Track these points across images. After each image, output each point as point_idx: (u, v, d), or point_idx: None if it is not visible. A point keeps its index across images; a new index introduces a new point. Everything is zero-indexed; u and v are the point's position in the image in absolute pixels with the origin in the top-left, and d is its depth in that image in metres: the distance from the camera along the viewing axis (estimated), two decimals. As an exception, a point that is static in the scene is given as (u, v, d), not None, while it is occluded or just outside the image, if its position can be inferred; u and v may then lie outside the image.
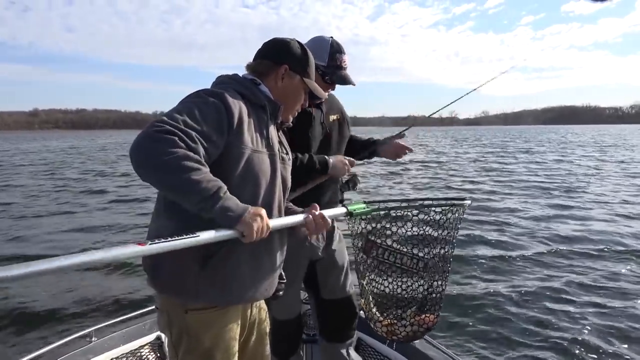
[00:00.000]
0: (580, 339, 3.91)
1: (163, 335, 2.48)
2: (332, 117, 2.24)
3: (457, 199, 1.93)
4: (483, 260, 6.08)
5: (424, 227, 1.98)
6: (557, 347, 3.81)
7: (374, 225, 1.93)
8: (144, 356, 2.42)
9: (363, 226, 1.93)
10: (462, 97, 2.66)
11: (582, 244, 6.83)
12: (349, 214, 1.75)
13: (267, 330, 1.70)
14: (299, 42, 1.60)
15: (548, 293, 4.91)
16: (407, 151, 2.38)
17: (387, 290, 1.96)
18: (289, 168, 1.61)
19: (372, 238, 1.97)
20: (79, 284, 5.74)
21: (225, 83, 1.49)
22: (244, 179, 1.38)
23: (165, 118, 1.24)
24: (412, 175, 16.55)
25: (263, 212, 1.28)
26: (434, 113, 2.73)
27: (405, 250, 1.96)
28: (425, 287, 1.93)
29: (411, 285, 1.94)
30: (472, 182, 14.73)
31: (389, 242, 1.96)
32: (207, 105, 1.31)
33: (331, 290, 2.23)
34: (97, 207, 11.11)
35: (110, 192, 13.61)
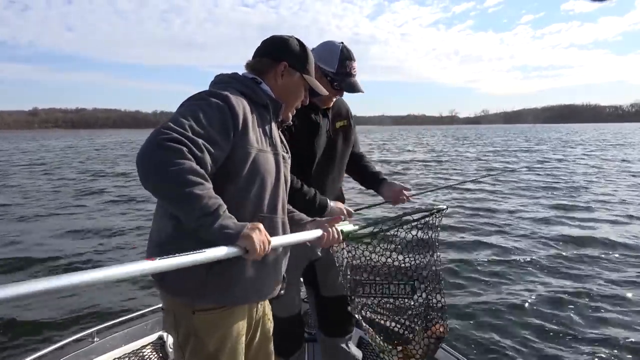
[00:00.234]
0: (586, 346, 3.89)
1: (165, 335, 2.49)
2: (339, 124, 2.23)
3: (434, 208, 1.93)
4: (484, 263, 6.05)
5: (406, 245, 1.98)
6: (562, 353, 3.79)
7: (355, 256, 1.93)
8: (146, 356, 2.43)
9: (345, 255, 1.93)
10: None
11: (588, 246, 6.73)
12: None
13: (271, 329, 1.71)
14: (297, 39, 1.59)
15: (551, 296, 4.88)
16: (406, 199, 2.33)
17: (384, 320, 1.98)
18: (289, 167, 1.62)
19: (356, 277, 1.98)
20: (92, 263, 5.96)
21: (226, 82, 1.48)
22: (250, 179, 1.39)
23: (171, 124, 1.22)
24: (413, 176, 16.47)
25: (260, 226, 1.27)
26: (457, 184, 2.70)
27: (389, 279, 1.96)
28: (422, 303, 1.93)
29: (407, 310, 1.95)
30: (473, 182, 14.66)
31: (371, 276, 1.96)
32: (212, 108, 1.31)
33: (330, 287, 2.25)
34: (95, 207, 11.03)
35: (107, 192, 13.52)
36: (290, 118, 1.64)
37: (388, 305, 1.97)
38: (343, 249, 1.91)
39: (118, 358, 2.32)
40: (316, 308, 2.35)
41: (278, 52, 1.55)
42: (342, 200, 2.31)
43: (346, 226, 1.69)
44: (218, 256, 1.18)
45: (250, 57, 1.59)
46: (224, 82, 1.49)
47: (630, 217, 8.76)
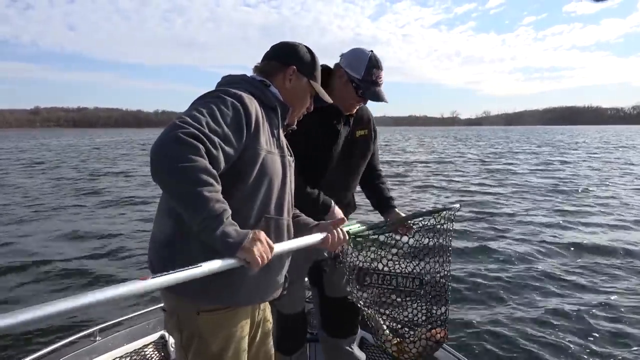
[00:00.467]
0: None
1: (167, 335, 2.49)
2: (360, 133, 2.22)
3: (446, 207, 1.93)
4: (486, 267, 5.99)
5: (415, 242, 1.99)
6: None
7: (362, 251, 1.92)
8: (148, 355, 2.43)
9: (351, 253, 1.93)
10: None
11: (594, 253, 6.57)
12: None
13: (271, 328, 1.72)
14: (306, 47, 1.62)
15: (554, 300, 4.85)
16: (407, 231, 2.21)
17: (387, 312, 1.97)
18: (293, 170, 1.63)
19: (362, 265, 1.98)
20: (81, 283, 5.72)
21: (237, 83, 1.49)
22: (258, 180, 1.40)
23: (189, 119, 1.22)
24: (415, 178, 16.43)
25: (263, 235, 1.25)
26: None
27: (397, 270, 1.96)
28: (426, 302, 1.93)
29: (411, 304, 1.95)
30: (476, 184, 14.63)
31: (380, 266, 1.96)
32: (227, 106, 1.31)
33: (335, 288, 2.24)
34: (93, 208, 10.89)
35: (106, 192, 13.38)
36: (295, 122, 1.65)
37: (393, 296, 1.97)
38: (350, 246, 1.91)
39: (120, 357, 2.32)
40: (320, 308, 2.34)
41: (287, 57, 1.57)
42: (354, 208, 2.31)
43: (352, 226, 1.68)
44: (215, 269, 1.15)
45: (251, 57, 1.63)
46: (233, 82, 1.50)
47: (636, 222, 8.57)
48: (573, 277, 5.50)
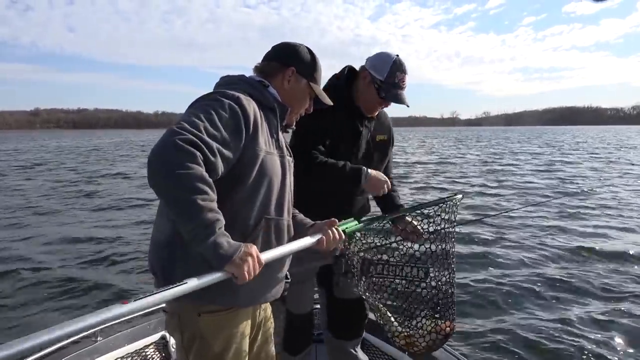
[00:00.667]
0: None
1: (168, 335, 2.50)
2: (379, 137, 2.23)
3: (448, 197, 1.94)
4: (487, 267, 5.96)
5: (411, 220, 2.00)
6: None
7: (365, 242, 1.92)
8: (149, 356, 2.44)
9: (357, 246, 1.93)
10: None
11: (600, 255, 6.43)
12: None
13: (272, 329, 1.72)
14: (307, 48, 1.62)
15: (559, 303, 4.80)
16: (417, 239, 2.19)
17: (395, 303, 1.97)
18: (293, 170, 1.63)
19: (367, 256, 1.99)
20: (83, 283, 5.70)
21: (235, 84, 1.49)
22: (258, 181, 1.40)
23: (187, 125, 1.22)
24: (417, 179, 16.38)
25: (254, 250, 1.25)
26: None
27: (403, 260, 1.97)
28: (433, 292, 1.93)
29: (418, 294, 1.94)
30: (477, 185, 14.58)
31: (385, 257, 1.97)
32: (225, 109, 1.31)
33: (344, 289, 2.25)
34: (91, 210, 10.74)
35: (105, 195, 13.17)
36: (294, 123, 1.65)
37: (399, 288, 1.96)
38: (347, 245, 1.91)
39: (121, 357, 2.33)
40: (327, 309, 2.34)
41: (287, 57, 1.57)
42: (367, 211, 2.31)
43: (349, 225, 1.67)
44: (200, 285, 1.14)
45: (251, 58, 1.63)
46: (231, 83, 1.50)
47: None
48: (575, 281, 5.44)
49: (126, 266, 6.31)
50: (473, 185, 14.28)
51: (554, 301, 4.85)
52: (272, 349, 1.72)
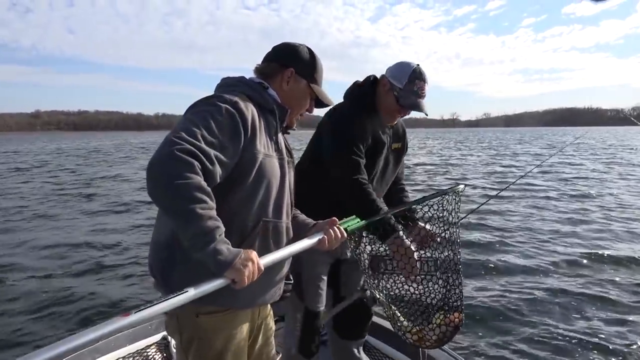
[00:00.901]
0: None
1: (169, 336, 2.50)
2: (395, 146, 2.25)
3: (450, 188, 1.93)
4: (490, 270, 5.92)
5: (424, 225, 2.01)
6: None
7: (371, 237, 1.93)
8: (150, 356, 2.45)
9: (364, 242, 1.93)
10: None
11: (604, 255, 6.42)
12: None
13: (273, 331, 1.72)
14: (308, 48, 1.61)
15: (561, 307, 4.76)
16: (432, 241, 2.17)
17: (406, 299, 1.97)
18: (294, 171, 1.63)
19: (375, 252, 1.99)
20: (84, 283, 5.70)
21: (234, 86, 1.49)
22: (256, 184, 1.40)
23: (184, 134, 1.22)
24: (418, 180, 16.33)
25: (254, 255, 1.25)
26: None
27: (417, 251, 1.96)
28: (442, 284, 1.93)
29: (428, 288, 1.94)
30: (479, 186, 14.52)
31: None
32: (222, 114, 1.31)
33: (351, 289, 2.26)
34: (90, 213, 10.61)
35: (103, 196, 13.13)
36: (295, 124, 1.65)
37: (409, 284, 1.97)
38: (351, 243, 1.91)
39: (122, 357, 2.34)
40: (332, 308, 2.34)
41: (286, 58, 1.56)
42: None
43: (351, 222, 1.67)
44: (202, 293, 1.15)
45: (251, 59, 1.63)
46: (231, 85, 1.50)
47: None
48: (579, 285, 5.40)
49: (126, 270, 6.24)
50: (475, 188, 14.24)
51: (556, 307, 4.81)
52: (273, 350, 1.72)
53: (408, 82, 2.05)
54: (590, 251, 6.64)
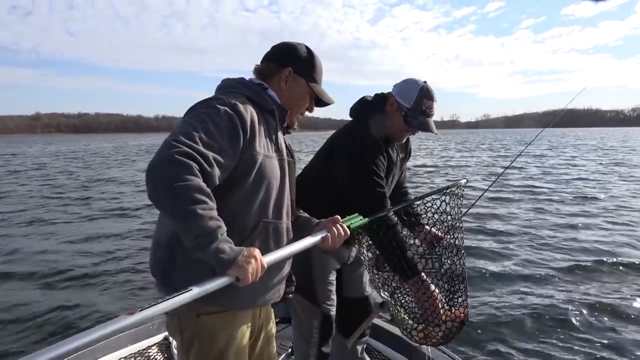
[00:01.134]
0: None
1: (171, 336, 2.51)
2: (401, 156, 2.26)
3: (452, 184, 1.94)
4: (492, 272, 5.90)
5: (427, 222, 2.01)
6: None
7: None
8: (152, 356, 2.45)
9: (367, 239, 1.94)
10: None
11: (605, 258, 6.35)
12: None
13: (274, 332, 1.72)
14: (306, 47, 1.60)
15: (558, 309, 4.74)
16: (438, 243, 2.17)
17: (410, 298, 1.96)
18: (295, 172, 1.63)
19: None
20: (86, 283, 5.70)
21: (234, 87, 1.49)
22: (256, 185, 1.40)
23: (182, 138, 1.23)
24: (419, 182, 16.30)
25: (257, 252, 1.25)
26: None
27: (417, 252, 1.97)
28: (446, 281, 1.94)
29: (435, 284, 1.93)
30: (480, 188, 14.43)
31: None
32: (220, 117, 1.31)
33: (353, 288, 2.27)
34: (88, 215, 10.55)
35: (103, 200, 12.98)
36: (296, 124, 1.65)
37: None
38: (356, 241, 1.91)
39: (124, 358, 2.34)
40: (337, 308, 2.35)
41: (284, 58, 1.56)
42: None
43: (354, 220, 1.66)
44: (206, 291, 1.15)
45: (251, 61, 1.61)
46: (230, 86, 1.50)
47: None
48: (580, 289, 5.35)
49: (126, 272, 6.22)
50: (476, 189, 14.18)
51: (557, 309, 4.79)
52: (274, 350, 1.72)
53: (416, 102, 2.03)
54: (592, 257, 6.50)
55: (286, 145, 1.59)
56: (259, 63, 1.60)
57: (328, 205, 1.82)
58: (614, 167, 20.90)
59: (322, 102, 1.65)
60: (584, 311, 4.57)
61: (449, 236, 1.97)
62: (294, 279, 1.66)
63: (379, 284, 2.03)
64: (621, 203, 11.04)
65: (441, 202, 1.93)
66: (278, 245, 1.47)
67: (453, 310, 1.88)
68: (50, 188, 16.07)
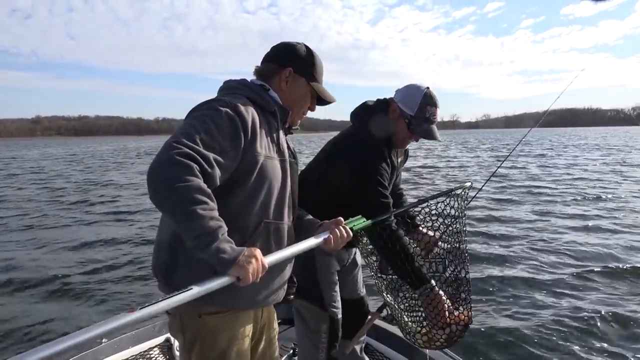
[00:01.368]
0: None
1: (172, 338, 2.52)
2: (400, 159, 2.26)
3: (456, 187, 1.94)
4: (494, 276, 5.84)
5: (432, 225, 2.01)
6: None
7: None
8: (153, 358, 2.45)
9: (368, 244, 1.93)
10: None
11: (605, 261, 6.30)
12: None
13: (276, 333, 1.72)
14: (306, 46, 1.60)
15: (563, 312, 4.71)
16: (435, 246, 2.16)
17: (414, 301, 1.96)
18: (297, 173, 1.63)
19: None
20: (87, 283, 5.71)
21: (236, 88, 1.50)
22: (257, 186, 1.41)
23: (183, 139, 1.24)
24: (419, 183, 16.28)
25: (257, 252, 1.25)
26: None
27: (421, 256, 1.96)
28: (450, 284, 1.93)
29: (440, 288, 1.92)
30: (482, 190, 14.31)
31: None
32: (222, 118, 1.32)
33: (350, 290, 2.27)
34: (89, 218, 10.54)
35: (100, 203, 12.95)
36: (298, 123, 1.65)
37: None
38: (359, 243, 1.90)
39: (125, 359, 2.34)
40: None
41: (284, 58, 1.57)
42: None
43: (357, 222, 1.66)
44: (206, 290, 1.15)
45: (251, 63, 1.64)
46: (233, 88, 1.51)
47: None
48: (587, 291, 5.29)
49: (128, 273, 6.22)
50: (475, 190, 14.05)
51: (558, 312, 4.81)
52: (277, 352, 1.72)
53: (419, 109, 2.01)
54: (598, 262, 6.33)
55: (288, 146, 1.59)
56: (259, 64, 1.60)
57: (327, 207, 1.83)
58: (615, 167, 20.86)
59: (323, 100, 1.65)
60: (589, 317, 4.51)
61: (452, 239, 1.96)
62: (295, 280, 1.66)
63: (382, 287, 2.03)
64: (624, 204, 10.96)
65: (445, 206, 1.93)
66: (279, 246, 1.48)
67: (457, 314, 1.87)
68: (49, 192, 16.03)
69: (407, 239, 1.92)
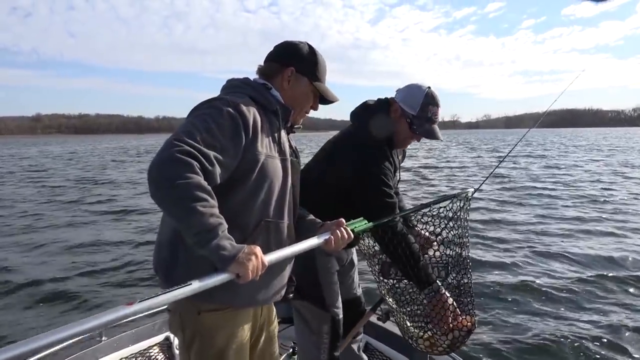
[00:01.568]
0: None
1: (172, 336, 2.52)
2: (399, 158, 2.26)
3: (459, 192, 1.93)
4: (497, 282, 5.76)
5: (434, 229, 2.00)
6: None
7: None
8: (153, 356, 2.45)
9: (372, 244, 1.92)
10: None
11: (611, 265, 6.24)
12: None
13: (276, 331, 1.73)
14: (309, 45, 1.60)
15: (564, 314, 4.73)
16: (429, 246, 2.16)
17: (415, 306, 1.96)
18: (299, 172, 1.63)
19: (385, 258, 1.98)
20: (88, 283, 5.69)
21: (238, 87, 1.50)
22: (258, 185, 1.41)
23: (184, 136, 1.24)
24: (420, 183, 16.25)
25: (257, 250, 1.25)
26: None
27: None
28: (453, 290, 1.92)
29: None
30: (482, 190, 14.25)
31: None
32: (223, 117, 1.32)
33: (346, 289, 2.27)
34: (86, 218, 10.40)
35: (100, 202, 12.88)
36: (300, 122, 1.65)
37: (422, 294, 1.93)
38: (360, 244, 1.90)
39: (125, 358, 2.35)
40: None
41: (286, 57, 1.56)
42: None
43: (359, 223, 1.66)
44: (205, 286, 1.15)
45: (252, 62, 1.64)
46: (235, 86, 1.51)
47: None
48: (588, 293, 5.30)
49: (128, 273, 6.17)
50: (477, 190, 13.98)
51: (558, 314, 4.81)
52: (276, 350, 1.73)
53: (421, 109, 2.00)
54: (600, 268, 6.24)
55: (290, 145, 1.59)
56: (260, 63, 1.60)
57: (326, 206, 1.83)
58: (617, 168, 20.83)
59: (326, 100, 1.64)
60: (591, 322, 4.51)
61: (454, 244, 1.96)
62: (294, 279, 1.66)
63: (384, 291, 2.02)
64: (626, 208, 10.89)
65: (447, 211, 1.92)
66: (279, 245, 1.47)
67: (460, 319, 1.86)
68: (49, 189, 16.01)
69: (412, 237, 1.91)
